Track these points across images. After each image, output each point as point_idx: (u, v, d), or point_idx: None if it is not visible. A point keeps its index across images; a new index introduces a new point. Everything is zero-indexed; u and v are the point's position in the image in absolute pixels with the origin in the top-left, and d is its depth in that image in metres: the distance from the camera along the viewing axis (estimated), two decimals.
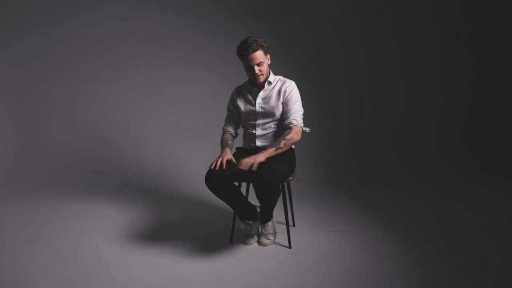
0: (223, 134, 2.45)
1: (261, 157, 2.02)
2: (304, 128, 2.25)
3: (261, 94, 2.28)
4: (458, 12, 4.21)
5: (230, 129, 2.45)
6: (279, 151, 2.12)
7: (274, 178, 2.00)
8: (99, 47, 4.17)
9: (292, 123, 2.20)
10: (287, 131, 2.18)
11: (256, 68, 2.17)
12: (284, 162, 2.22)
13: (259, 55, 2.14)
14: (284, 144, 2.13)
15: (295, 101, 2.23)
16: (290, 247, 2.29)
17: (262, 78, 2.23)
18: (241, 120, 2.45)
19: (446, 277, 1.92)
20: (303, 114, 2.27)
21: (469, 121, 4.24)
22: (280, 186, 2.12)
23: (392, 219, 2.72)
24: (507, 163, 3.87)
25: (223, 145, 2.33)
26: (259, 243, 2.33)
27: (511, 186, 3.39)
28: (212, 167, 2.07)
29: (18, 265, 2.10)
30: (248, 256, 2.19)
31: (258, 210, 2.46)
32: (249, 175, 2.09)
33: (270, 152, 2.08)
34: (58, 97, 4.20)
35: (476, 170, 3.78)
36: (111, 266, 2.08)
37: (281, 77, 2.33)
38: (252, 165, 1.97)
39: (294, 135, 2.17)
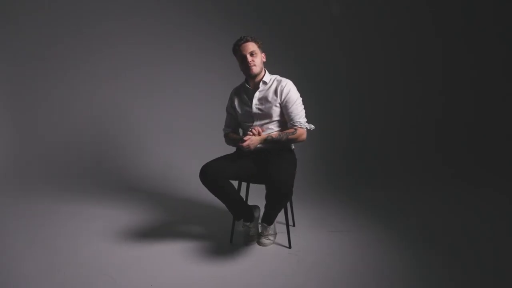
0: (227, 134, 2.44)
1: (257, 141, 2.13)
2: (308, 126, 2.25)
3: (257, 94, 2.27)
4: (458, 12, 4.21)
5: (231, 131, 2.46)
6: (275, 140, 2.16)
7: (288, 179, 2.00)
8: (99, 47, 4.17)
9: (295, 125, 2.20)
10: (291, 131, 2.19)
11: (249, 57, 2.18)
12: (291, 163, 2.23)
13: (251, 45, 2.19)
14: (286, 138, 2.16)
15: (294, 101, 2.21)
16: (290, 247, 2.29)
17: (255, 69, 2.22)
18: (239, 122, 2.44)
19: (447, 277, 1.92)
20: (305, 111, 2.26)
21: (469, 121, 4.23)
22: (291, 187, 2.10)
23: (392, 219, 2.72)
24: (507, 163, 3.87)
25: (234, 140, 2.35)
26: (259, 243, 2.32)
27: (511, 186, 3.39)
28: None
29: (18, 265, 2.10)
30: (248, 256, 2.19)
31: (256, 214, 2.46)
32: (262, 177, 2.10)
33: (273, 134, 2.16)
34: (58, 97, 4.20)
35: (476, 170, 3.78)
36: (111, 266, 2.08)
37: (277, 77, 2.31)
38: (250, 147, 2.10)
39: (298, 136, 2.19)
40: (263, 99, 2.26)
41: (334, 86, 4.28)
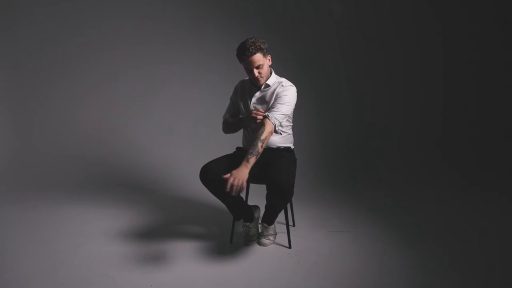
0: (225, 120, 2.41)
1: (246, 175, 1.90)
2: (277, 127, 2.13)
3: (257, 94, 2.27)
4: (460, 13, 4.21)
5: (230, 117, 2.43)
6: (259, 156, 2.04)
7: (289, 179, 1.99)
8: (99, 47, 4.17)
9: (268, 116, 2.10)
10: (260, 130, 2.07)
11: (256, 71, 2.14)
12: (291, 162, 2.22)
13: (257, 58, 2.10)
14: (261, 146, 2.04)
15: (283, 101, 2.15)
16: (290, 247, 2.29)
17: (262, 81, 2.21)
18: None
19: (447, 277, 1.92)
20: (284, 117, 2.15)
21: (471, 122, 4.23)
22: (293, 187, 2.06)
23: (392, 219, 2.72)
24: (508, 164, 3.87)
25: (231, 124, 2.34)
26: (259, 243, 2.33)
27: (511, 187, 3.39)
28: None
29: (18, 265, 2.10)
30: (248, 256, 2.19)
31: (256, 214, 2.46)
32: (262, 177, 2.06)
33: (252, 162, 1.99)
34: (57, 97, 4.20)
35: (477, 171, 3.78)
36: (111, 266, 2.08)
37: (283, 80, 2.27)
38: (241, 188, 1.86)
39: (267, 131, 2.06)
40: (261, 99, 2.26)
41: (334, 86, 4.28)
